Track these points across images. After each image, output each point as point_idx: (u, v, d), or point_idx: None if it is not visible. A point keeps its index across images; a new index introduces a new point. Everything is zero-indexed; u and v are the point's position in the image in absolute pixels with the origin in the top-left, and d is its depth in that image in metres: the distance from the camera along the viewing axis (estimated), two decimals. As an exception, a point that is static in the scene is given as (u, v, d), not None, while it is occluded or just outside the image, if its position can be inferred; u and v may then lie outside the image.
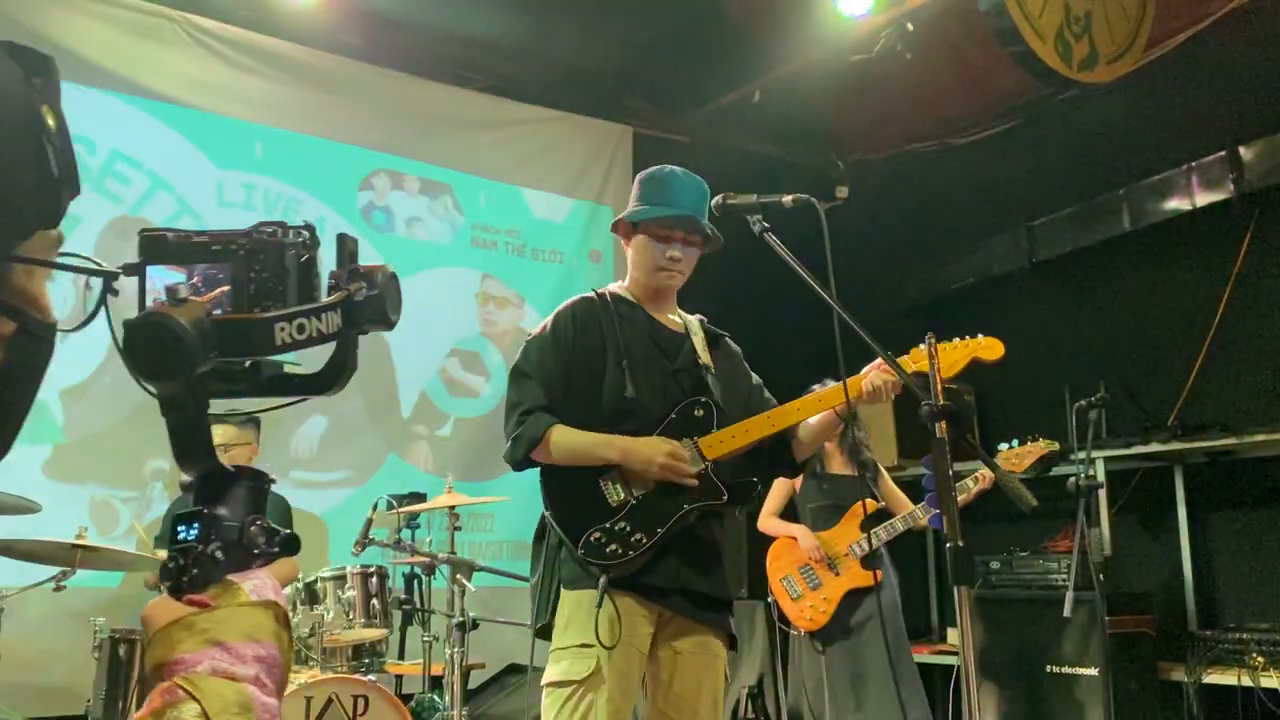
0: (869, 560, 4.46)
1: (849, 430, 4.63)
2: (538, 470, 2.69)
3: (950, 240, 6.88)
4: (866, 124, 7.26)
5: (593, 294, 2.82)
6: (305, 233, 0.97)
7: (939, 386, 1.99)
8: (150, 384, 0.89)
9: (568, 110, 6.60)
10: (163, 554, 4.34)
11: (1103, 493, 5.17)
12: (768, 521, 4.79)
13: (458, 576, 4.13)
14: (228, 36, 5.55)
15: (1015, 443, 4.38)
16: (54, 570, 3.88)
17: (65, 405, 4.86)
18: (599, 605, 2.46)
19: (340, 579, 4.17)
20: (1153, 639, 4.90)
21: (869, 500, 4.55)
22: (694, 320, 2.91)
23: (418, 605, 4.59)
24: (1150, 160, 5.76)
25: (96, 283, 0.89)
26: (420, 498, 4.72)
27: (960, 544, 1.86)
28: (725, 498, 2.62)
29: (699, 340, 2.83)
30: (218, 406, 0.98)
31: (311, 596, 4.12)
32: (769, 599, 4.65)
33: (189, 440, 0.93)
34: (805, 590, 4.52)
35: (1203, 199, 5.51)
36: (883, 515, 4.53)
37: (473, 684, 4.70)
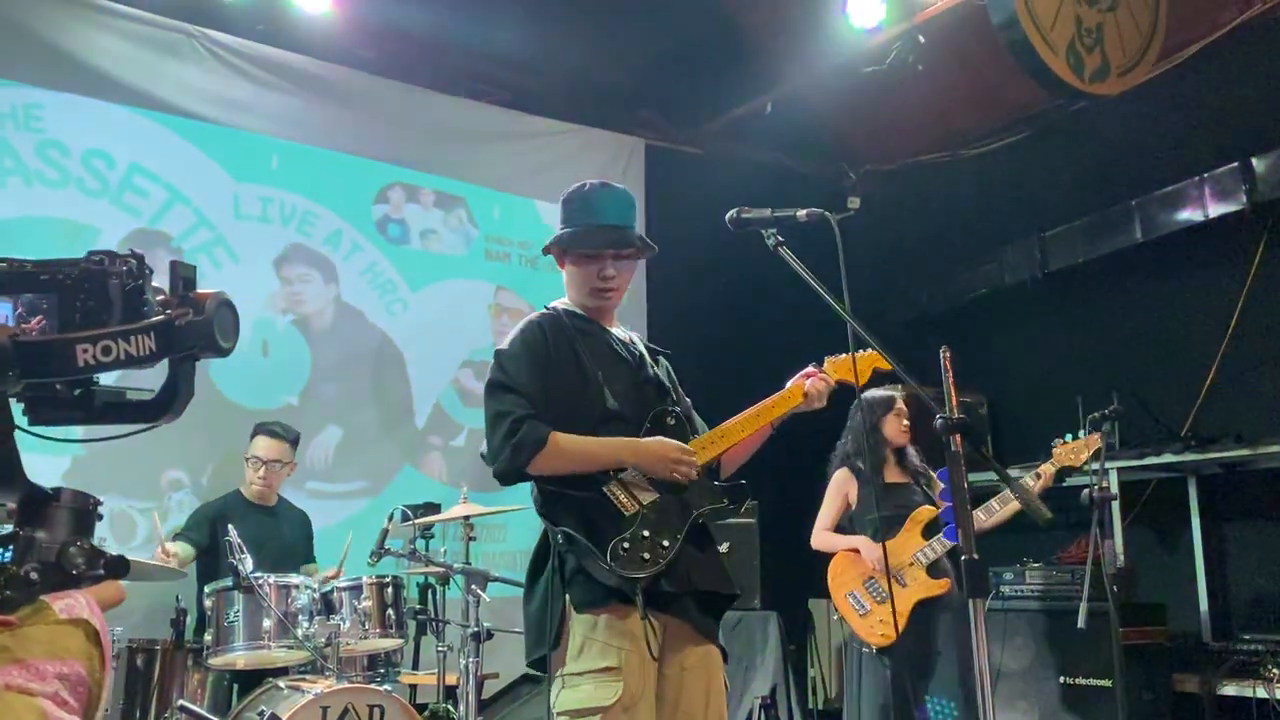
0: (935, 569, 4.31)
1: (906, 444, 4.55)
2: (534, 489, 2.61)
3: (962, 251, 6.89)
4: (878, 135, 7.29)
5: (549, 310, 2.78)
6: (132, 261, 0.97)
7: (954, 400, 2.00)
8: None
9: (581, 123, 6.64)
10: (175, 548, 4.34)
11: (1116, 504, 5.16)
12: (822, 537, 4.61)
13: (472, 587, 4.15)
14: (245, 51, 5.60)
15: (1070, 437, 4.33)
16: (73, 580, 3.91)
17: (84, 416, 4.89)
18: (645, 618, 2.42)
19: (356, 589, 4.19)
20: (1167, 650, 4.89)
21: (927, 507, 4.41)
22: (634, 335, 2.89)
23: (432, 615, 4.61)
24: (1162, 171, 5.76)
25: None
26: (435, 508, 4.75)
27: (975, 557, 1.88)
28: (726, 502, 2.65)
29: (644, 351, 2.83)
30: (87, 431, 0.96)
31: (328, 606, 4.14)
32: (835, 616, 4.49)
33: None
34: (873, 604, 4.33)
35: (1215, 210, 5.51)
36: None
37: (486, 694, 4.72)
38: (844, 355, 2.80)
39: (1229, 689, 4.71)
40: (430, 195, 6.15)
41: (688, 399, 2.92)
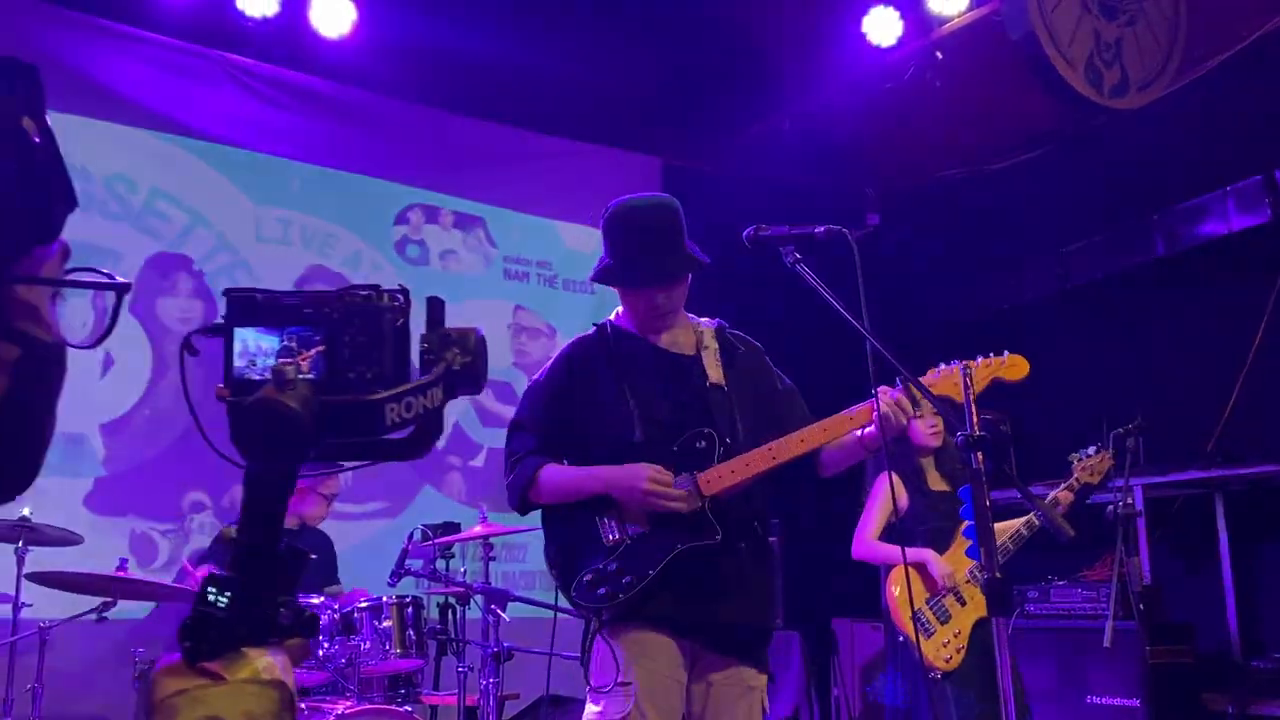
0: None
1: (945, 444, 4.18)
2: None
3: (982, 267, 6.86)
4: (896, 152, 7.27)
5: (594, 330, 2.78)
6: (400, 297, 0.98)
7: (974, 416, 1.98)
8: (253, 463, 0.89)
9: (598, 143, 6.67)
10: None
11: (1141, 521, 5.10)
12: (868, 546, 4.21)
13: (492, 606, 4.14)
14: (265, 75, 5.65)
15: (1086, 453, 4.13)
16: (96, 602, 3.93)
17: (105, 439, 4.92)
18: (588, 647, 2.48)
19: (376, 609, 4.17)
20: (1195, 669, 4.82)
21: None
22: (708, 331, 2.80)
23: (452, 636, 4.60)
24: (1185, 185, 5.72)
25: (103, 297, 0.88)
26: (454, 528, 4.75)
27: (998, 575, 1.85)
28: (719, 538, 2.52)
29: (710, 356, 2.73)
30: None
31: (348, 627, 4.14)
32: (900, 638, 4.04)
33: (264, 515, 0.93)
34: (937, 625, 3.93)
35: (1239, 223, 5.46)
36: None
37: (507, 714, 4.70)
38: (983, 360, 2.66)
39: (1260, 708, 4.63)
40: (449, 216, 6.18)
41: (783, 387, 2.81)
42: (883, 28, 5.97)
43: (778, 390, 2.82)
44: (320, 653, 3.96)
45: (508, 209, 6.38)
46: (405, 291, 0.98)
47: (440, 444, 5.03)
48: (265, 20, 5.45)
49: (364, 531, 5.51)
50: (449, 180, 6.20)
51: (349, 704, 3.80)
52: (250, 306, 0.94)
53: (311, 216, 5.72)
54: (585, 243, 6.59)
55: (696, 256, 2.67)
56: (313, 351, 0.92)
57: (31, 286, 0.83)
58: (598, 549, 2.53)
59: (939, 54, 5.88)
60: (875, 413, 2.52)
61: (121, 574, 3.77)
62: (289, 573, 0.95)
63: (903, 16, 5.97)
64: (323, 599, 4.16)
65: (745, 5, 6.48)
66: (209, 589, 0.91)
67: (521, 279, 6.38)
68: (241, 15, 5.40)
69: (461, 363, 0.97)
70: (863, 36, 6.01)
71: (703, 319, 2.85)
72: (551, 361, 2.77)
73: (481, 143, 6.33)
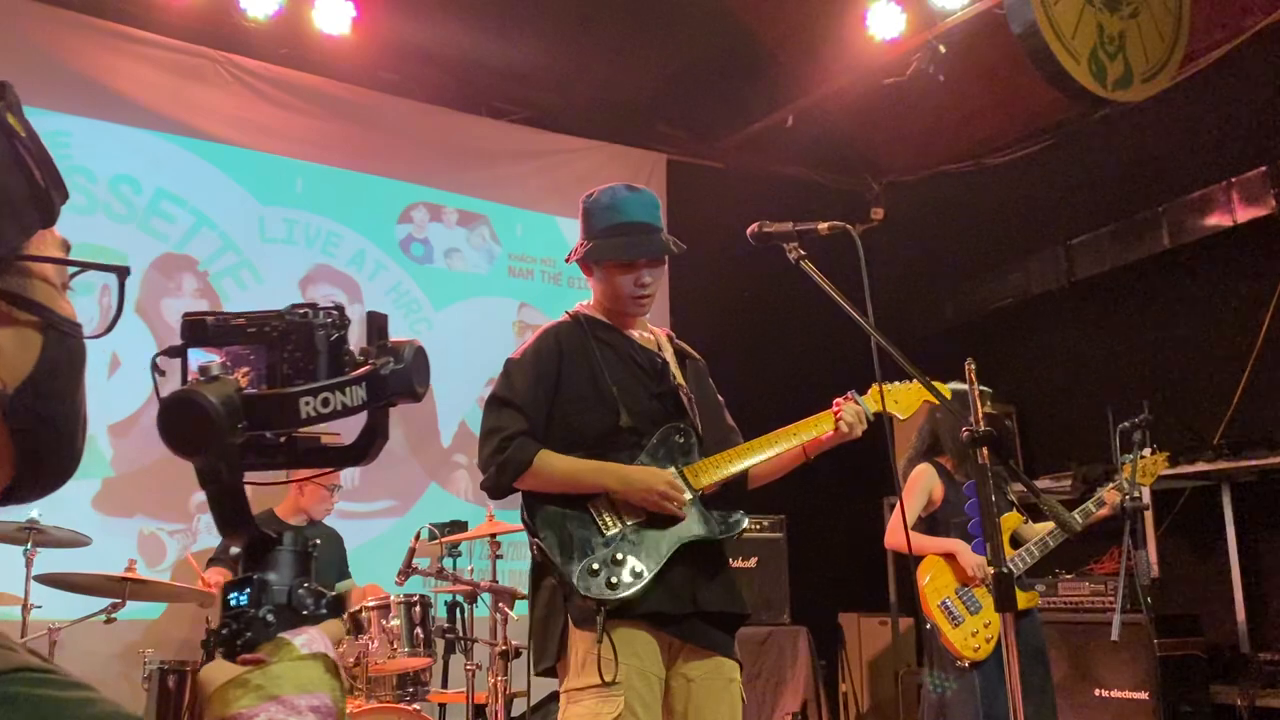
0: (1023, 580, 3.99)
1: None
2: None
3: (988, 260, 6.85)
4: (901, 146, 7.27)
5: (568, 317, 2.75)
6: (335, 313, 1.03)
7: (979, 411, 1.98)
8: (182, 457, 0.93)
9: (602, 139, 6.66)
10: (214, 578, 4.40)
11: (1148, 513, 5.09)
12: (901, 537, 4.16)
13: (500, 604, 4.15)
14: (268, 75, 5.66)
15: (1147, 451, 4.15)
16: (105, 603, 3.94)
17: (113, 440, 4.94)
18: (599, 641, 2.38)
19: (384, 608, 4.19)
20: (1204, 661, 4.82)
21: (1014, 514, 4.09)
22: (663, 336, 2.85)
23: (460, 634, 4.60)
24: (1189, 177, 5.71)
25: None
26: (462, 526, 4.75)
27: (1005, 570, 1.85)
28: (718, 531, 2.58)
29: (670, 358, 2.78)
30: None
31: (356, 626, 4.15)
32: (927, 625, 4.05)
33: (227, 510, 0.98)
34: (966, 615, 3.96)
35: (1244, 214, 5.45)
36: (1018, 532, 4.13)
37: (515, 712, 4.71)
38: (894, 385, 2.74)
39: (1268, 700, 4.63)
40: (453, 214, 6.18)
41: (720, 400, 2.88)
42: (885, 22, 5.97)
43: (717, 401, 2.88)
44: (329, 652, 3.97)
45: (512, 206, 6.37)
46: (340, 308, 1.04)
47: (447, 443, 5.07)
48: (267, 20, 5.46)
49: (371, 530, 5.52)
50: (452, 178, 6.20)
51: (358, 703, 3.81)
52: (201, 329, 1.02)
53: (315, 215, 5.72)
54: (589, 240, 6.59)
55: (678, 241, 2.72)
56: (243, 371, 0.97)
57: (44, 272, 0.88)
58: (598, 538, 2.49)
59: (942, 48, 5.87)
60: (838, 419, 2.63)
61: (130, 575, 3.79)
62: (299, 559, 0.99)
63: (905, 10, 5.97)
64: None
65: (748, 0, 6.49)
66: (228, 594, 0.96)
67: (526, 276, 6.38)
68: (243, 15, 5.41)
69: (391, 369, 1.00)
70: (865, 30, 6.01)
71: (651, 325, 2.87)
72: (536, 340, 2.68)
73: (484, 140, 6.33)
